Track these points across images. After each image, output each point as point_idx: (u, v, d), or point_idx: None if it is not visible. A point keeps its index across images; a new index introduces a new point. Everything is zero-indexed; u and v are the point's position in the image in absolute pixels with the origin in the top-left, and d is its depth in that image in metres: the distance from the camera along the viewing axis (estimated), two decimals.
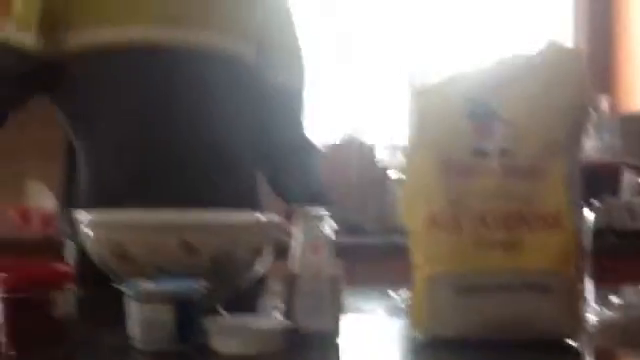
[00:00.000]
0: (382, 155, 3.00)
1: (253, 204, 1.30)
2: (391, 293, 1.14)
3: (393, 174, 2.88)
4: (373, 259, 2.32)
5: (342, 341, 0.81)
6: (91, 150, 1.26)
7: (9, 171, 2.57)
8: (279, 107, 1.37)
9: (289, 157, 1.38)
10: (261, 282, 1.15)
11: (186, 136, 1.24)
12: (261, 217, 1.05)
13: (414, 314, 0.84)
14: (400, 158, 3.13)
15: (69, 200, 1.30)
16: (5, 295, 0.76)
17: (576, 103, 0.85)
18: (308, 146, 1.41)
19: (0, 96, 1.27)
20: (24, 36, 1.24)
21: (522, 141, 0.84)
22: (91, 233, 0.96)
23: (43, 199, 2.43)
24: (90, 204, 1.21)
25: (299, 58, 1.39)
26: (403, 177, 2.80)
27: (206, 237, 0.93)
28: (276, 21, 1.37)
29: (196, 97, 1.25)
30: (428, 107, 0.85)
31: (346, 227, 2.66)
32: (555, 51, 0.87)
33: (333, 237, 0.83)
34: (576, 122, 0.85)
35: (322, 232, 0.82)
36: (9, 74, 1.26)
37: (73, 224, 1.20)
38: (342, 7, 3.12)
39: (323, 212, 0.83)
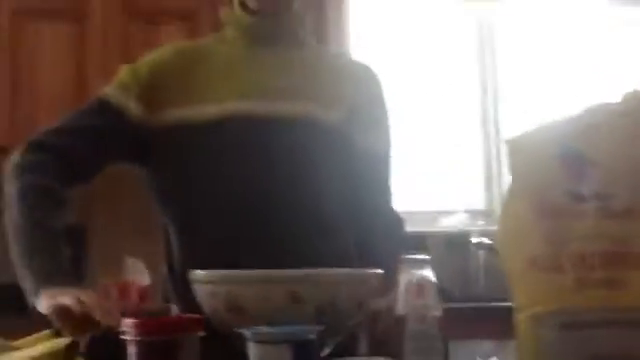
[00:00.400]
0: (464, 221, 3.02)
1: (349, 265, 1.34)
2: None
3: (475, 239, 2.89)
4: (459, 324, 2.31)
5: None
6: (189, 219, 1.31)
7: (109, 249, 2.71)
8: (367, 172, 1.42)
9: (375, 222, 1.43)
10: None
11: (285, 200, 1.29)
12: (363, 271, 1.10)
13: (520, 354, 0.86)
14: (480, 223, 3.14)
15: (170, 271, 1.35)
16: (138, 338, 0.83)
17: None
18: (393, 213, 1.46)
19: (94, 151, 1.32)
20: (127, 100, 1.32)
21: (614, 184, 0.87)
22: (206, 289, 1.03)
23: (139, 274, 2.55)
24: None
25: (387, 126, 1.45)
26: (485, 241, 2.76)
27: (312, 288, 0.99)
28: (364, 90, 1.43)
29: (293, 162, 1.30)
30: (522, 154, 0.90)
31: None
32: (637, 99, 0.91)
33: (435, 281, 0.88)
34: None
35: (426, 275, 0.86)
36: (106, 132, 1.32)
37: (176, 290, 1.28)
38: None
39: (426, 258, 0.87)
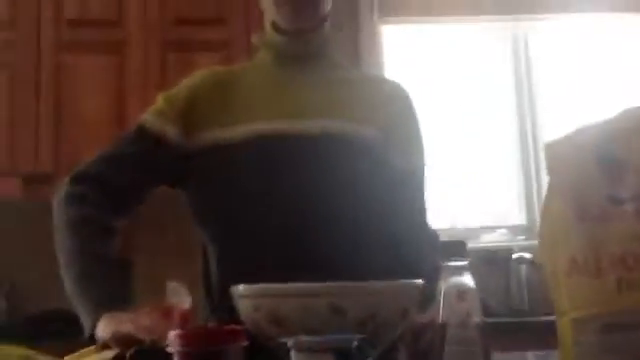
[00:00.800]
0: (504, 237, 3.00)
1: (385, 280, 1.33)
2: None
3: (515, 254, 2.86)
4: (501, 338, 2.28)
5: None
6: (224, 239, 1.33)
7: (152, 272, 2.74)
8: (404, 189, 1.42)
9: (417, 236, 1.43)
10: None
11: (319, 217, 1.29)
12: (404, 282, 1.11)
13: (563, 358, 0.86)
14: (521, 239, 3.11)
15: (207, 293, 1.37)
16: (182, 349, 0.84)
17: None
18: (431, 229, 1.46)
19: (135, 178, 1.36)
20: (164, 125, 1.36)
21: None
22: (249, 303, 1.05)
23: (181, 297, 2.57)
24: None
25: (421, 143, 1.46)
26: (526, 256, 2.74)
27: (353, 300, 1.00)
28: (397, 109, 1.44)
29: (325, 179, 1.31)
30: (561, 157, 0.90)
31: None
32: None
33: (475, 286, 0.88)
34: None
35: (466, 281, 0.87)
36: (145, 158, 1.36)
37: (214, 311, 1.29)
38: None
39: (465, 264, 0.88)
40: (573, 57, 3.24)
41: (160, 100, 1.40)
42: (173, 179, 1.39)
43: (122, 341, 1.04)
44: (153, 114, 1.38)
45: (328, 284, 1.06)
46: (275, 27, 1.41)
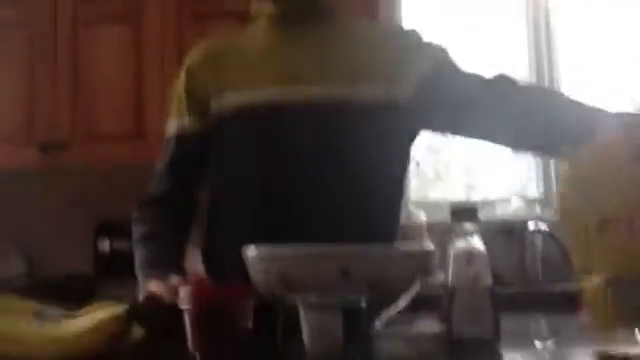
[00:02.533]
0: (520, 208, 3.00)
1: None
2: (537, 343, 1.13)
3: (531, 226, 2.85)
4: (515, 308, 2.28)
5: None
6: (220, 205, 1.37)
7: None
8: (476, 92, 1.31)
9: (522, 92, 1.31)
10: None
11: (308, 184, 1.28)
12: (414, 247, 1.12)
13: (594, 318, 0.85)
14: (537, 210, 3.08)
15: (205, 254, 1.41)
16: (193, 306, 0.86)
17: None
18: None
19: (187, 183, 1.42)
20: (181, 122, 1.39)
21: None
22: (259, 265, 1.06)
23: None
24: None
25: (449, 60, 1.36)
26: (542, 228, 2.71)
27: (363, 264, 1.01)
28: (414, 54, 1.35)
29: (317, 146, 1.29)
30: None
31: None
32: None
33: (484, 251, 0.88)
34: None
35: (476, 245, 0.87)
36: (186, 161, 1.41)
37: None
38: None
39: (475, 227, 0.88)
40: (593, 12, 3.18)
41: (171, 99, 1.44)
42: (205, 160, 1.41)
43: (150, 299, 1.08)
44: (171, 119, 1.42)
45: (338, 247, 1.06)
46: None
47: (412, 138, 1.40)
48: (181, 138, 1.40)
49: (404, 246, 1.14)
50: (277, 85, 1.33)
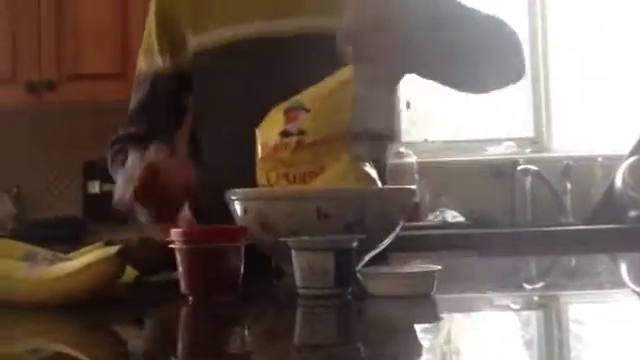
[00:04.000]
0: (510, 149, 2.99)
1: None
2: (526, 286, 1.13)
3: (521, 166, 2.85)
4: (501, 251, 2.30)
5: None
6: (211, 136, 1.34)
7: None
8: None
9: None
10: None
11: None
12: (390, 187, 1.11)
13: None
14: (527, 151, 3.09)
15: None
16: (185, 246, 0.85)
17: None
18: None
19: (160, 122, 1.39)
20: (153, 60, 1.37)
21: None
22: (239, 205, 1.05)
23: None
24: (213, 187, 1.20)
25: None
26: (532, 168, 2.73)
27: (338, 205, 1.00)
28: None
29: (297, 78, 1.20)
30: None
31: (475, 219, 2.66)
32: None
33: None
34: None
35: None
36: (158, 99, 1.39)
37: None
38: None
39: None
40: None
41: (144, 36, 1.40)
42: (182, 93, 1.39)
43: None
44: (142, 55, 1.39)
45: (315, 188, 1.05)
46: None
47: None
48: (155, 79, 1.37)
49: (382, 188, 1.13)
50: (257, 20, 1.29)
